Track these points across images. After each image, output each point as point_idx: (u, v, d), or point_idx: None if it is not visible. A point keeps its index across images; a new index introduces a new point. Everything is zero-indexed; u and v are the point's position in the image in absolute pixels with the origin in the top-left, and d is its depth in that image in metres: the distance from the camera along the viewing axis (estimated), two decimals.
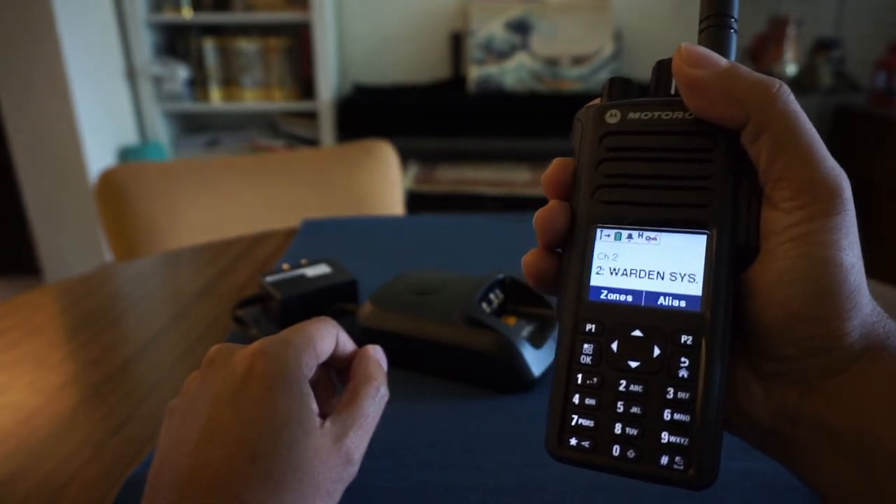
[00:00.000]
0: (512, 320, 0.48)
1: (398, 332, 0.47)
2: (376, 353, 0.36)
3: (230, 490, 0.26)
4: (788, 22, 2.10)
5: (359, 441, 0.31)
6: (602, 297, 0.24)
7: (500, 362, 0.44)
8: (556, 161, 0.26)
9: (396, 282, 0.52)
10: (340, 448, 0.30)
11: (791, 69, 2.13)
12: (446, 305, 0.47)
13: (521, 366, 0.44)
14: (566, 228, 0.25)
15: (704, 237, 0.23)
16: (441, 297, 0.48)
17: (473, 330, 0.45)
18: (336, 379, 0.37)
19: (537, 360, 0.44)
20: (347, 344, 0.35)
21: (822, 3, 2.22)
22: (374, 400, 0.33)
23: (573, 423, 0.23)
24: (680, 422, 0.21)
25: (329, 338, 0.33)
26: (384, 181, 1.15)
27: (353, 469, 0.31)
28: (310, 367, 0.31)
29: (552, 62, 2.17)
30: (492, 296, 0.49)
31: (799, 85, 2.13)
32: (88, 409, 0.45)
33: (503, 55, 2.18)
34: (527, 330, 0.47)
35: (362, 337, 0.48)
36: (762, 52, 2.15)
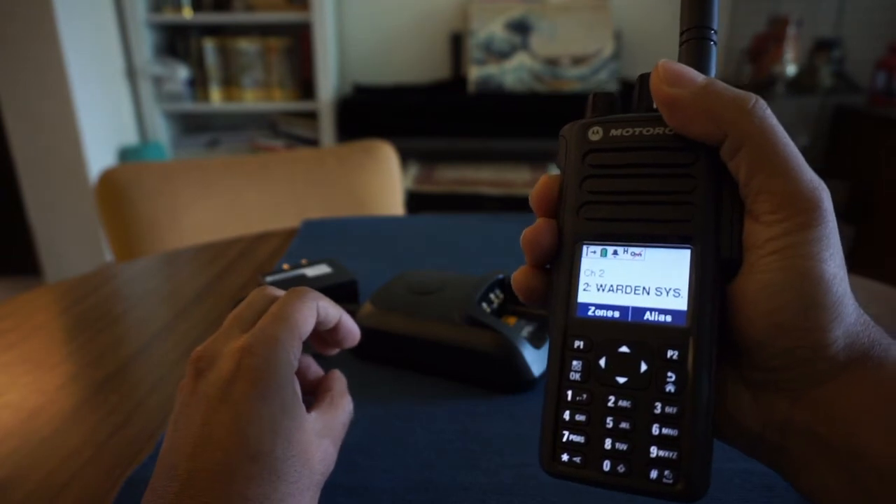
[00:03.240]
0: (512, 320, 0.48)
1: (398, 332, 0.47)
2: (342, 376, 0.38)
3: (233, 488, 0.26)
4: (788, 22, 2.10)
5: (335, 441, 0.33)
6: (589, 313, 0.24)
7: (500, 362, 0.44)
8: (543, 178, 0.26)
9: (396, 282, 0.52)
10: (323, 442, 0.31)
11: (791, 69, 2.13)
12: (446, 305, 0.47)
13: (521, 366, 0.44)
14: (553, 246, 0.25)
15: (688, 251, 0.23)
16: (441, 297, 0.48)
17: (473, 330, 0.45)
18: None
19: (537, 360, 0.44)
20: (329, 309, 0.35)
21: (822, 3, 2.22)
22: (347, 414, 0.35)
23: (564, 438, 0.23)
24: (668, 436, 0.22)
25: (311, 316, 0.33)
26: (384, 181, 1.15)
27: (332, 465, 0.32)
28: (296, 358, 0.31)
29: (552, 62, 2.17)
30: (492, 296, 0.49)
31: (799, 85, 2.13)
32: (88, 409, 0.45)
33: (503, 55, 2.18)
34: (527, 330, 0.47)
35: (362, 337, 0.48)
36: (762, 52, 2.15)
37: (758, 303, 0.22)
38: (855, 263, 1.92)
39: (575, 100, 2.10)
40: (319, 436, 0.31)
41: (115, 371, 0.50)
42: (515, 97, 2.15)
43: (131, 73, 2.22)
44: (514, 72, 2.17)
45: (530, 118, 2.06)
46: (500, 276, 0.50)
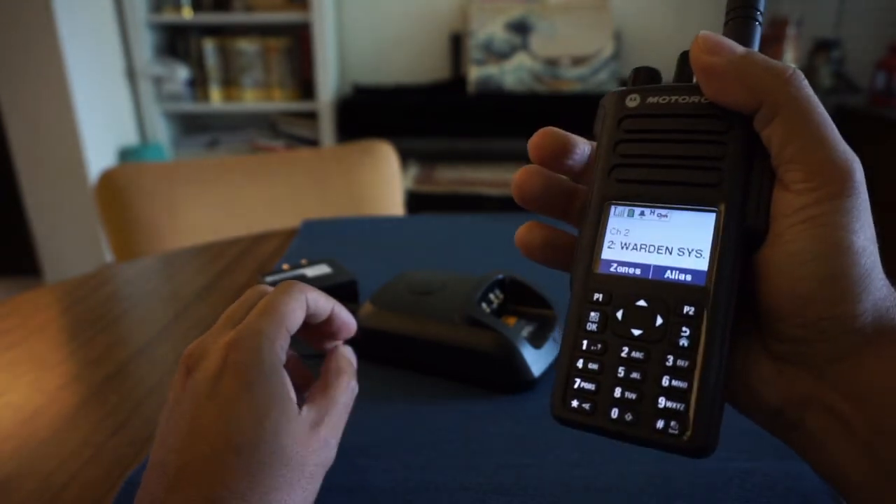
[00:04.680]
0: (512, 320, 0.48)
1: (398, 332, 0.47)
2: (347, 350, 0.37)
3: (219, 482, 0.26)
4: (788, 22, 2.10)
5: (333, 428, 0.32)
6: (612, 269, 0.25)
7: (500, 362, 0.44)
8: (544, 129, 0.27)
9: (396, 282, 0.52)
10: (318, 433, 0.31)
11: None
12: (446, 305, 0.47)
13: (521, 366, 0.44)
14: (540, 189, 0.27)
15: (713, 215, 0.24)
16: (441, 297, 0.48)
17: (473, 330, 0.45)
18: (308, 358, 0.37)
19: (537, 360, 0.44)
20: (320, 301, 0.35)
21: (822, 3, 2.22)
22: (346, 392, 0.34)
23: (576, 385, 0.24)
24: (677, 388, 0.22)
25: (299, 309, 0.33)
26: (384, 181, 1.15)
27: (331, 454, 0.32)
28: (284, 350, 0.31)
29: (552, 62, 2.17)
30: (492, 296, 0.49)
31: None
32: (89, 409, 0.45)
33: (503, 55, 2.18)
34: (527, 330, 0.47)
35: (362, 337, 0.48)
36: (762, 53, 2.15)
37: (784, 272, 0.22)
38: None
39: (575, 100, 2.10)
40: (314, 426, 0.31)
41: (114, 371, 0.50)
42: (515, 97, 2.15)
43: (131, 74, 2.22)
44: (514, 72, 2.17)
45: (530, 118, 2.06)
46: (500, 276, 0.50)
